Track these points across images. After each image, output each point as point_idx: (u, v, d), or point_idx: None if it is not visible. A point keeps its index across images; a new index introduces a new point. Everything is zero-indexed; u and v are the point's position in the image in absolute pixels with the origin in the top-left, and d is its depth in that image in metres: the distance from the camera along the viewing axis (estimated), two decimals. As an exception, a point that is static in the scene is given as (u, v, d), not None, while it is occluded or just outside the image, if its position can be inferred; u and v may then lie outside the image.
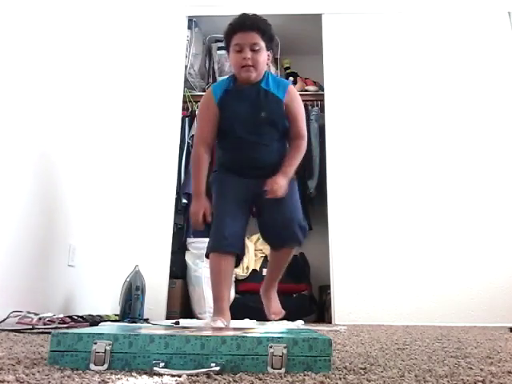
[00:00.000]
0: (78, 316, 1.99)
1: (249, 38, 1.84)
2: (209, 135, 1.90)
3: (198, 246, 3.12)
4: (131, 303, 2.26)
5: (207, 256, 1.89)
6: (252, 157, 1.89)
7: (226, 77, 2.01)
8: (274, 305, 2.08)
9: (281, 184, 1.79)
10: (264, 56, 1.87)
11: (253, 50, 1.83)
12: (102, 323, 1.99)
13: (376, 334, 1.83)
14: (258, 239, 3.41)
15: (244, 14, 1.91)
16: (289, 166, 1.88)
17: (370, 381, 0.71)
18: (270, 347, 0.77)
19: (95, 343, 0.77)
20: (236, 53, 1.85)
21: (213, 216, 1.90)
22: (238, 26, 1.86)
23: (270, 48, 1.92)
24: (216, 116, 1.87)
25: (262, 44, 1.86)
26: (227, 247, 1.84)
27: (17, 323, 1.66)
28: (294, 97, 1.93)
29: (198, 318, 2.88)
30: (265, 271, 3.26)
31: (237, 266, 1.95)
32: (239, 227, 1.90)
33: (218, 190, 1.96)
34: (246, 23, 1.85)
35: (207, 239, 3.15)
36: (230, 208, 1.89)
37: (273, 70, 3.76)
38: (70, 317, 1.91)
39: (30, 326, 1.63)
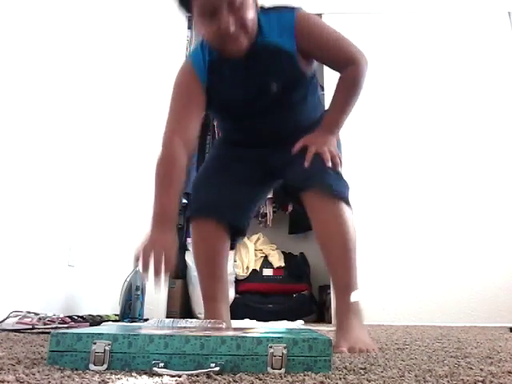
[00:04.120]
0: (78, 316, 1.99)
1: None
2: (188, 129, 1.30)
3: (198, 246, 3.12)
4: (131, 303, 2.27)
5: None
6: (266, 132, 1.39)
7: (198, 42, 1.36)
8: (349, 335, 1.18)
9: (320, 142, 1.29)
10: (250, 6, 1.20)
11: (232, 10, 1.16)
12: (103, 323, 1.99)
13: (376, 334, 1.83)
14: (258, 239, 3.41)
15: None
16: (335, 113, 1.36)
17: (370, 381, 0.71)
18: (270, 347, 0.76)
19: (94, 343, 0.77)
20: (206, 19, 1.17)
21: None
22: None
23: None
24: (201, 104, 1.32)
25: None
26: (204, 211, 1.37)
27: (17, 323, 1.66)
28: (309, 29, 1.33)
29: (197, 318, 2.89)
30: (265, 271, 3.27)
31: (232, 247, 1.47)
32: (232, 196, 1.39)
33: (209, 157, 1.53)
34: None
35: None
36: (220, 175, 1.42)
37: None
38: (70, 317, 1.91)
39: (30, 326, 1.63)
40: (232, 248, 1.47)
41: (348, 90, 1.33)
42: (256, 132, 1.41)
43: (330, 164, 1.28)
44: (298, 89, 1.35)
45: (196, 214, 1.41)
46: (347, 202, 1.30)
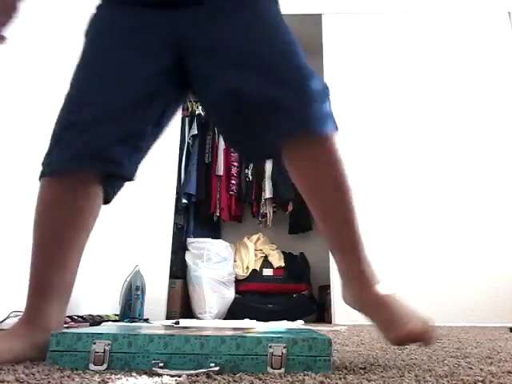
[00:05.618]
0: (78, 316, 2.00)
1: None
2: None
3: (198, 245, 3.12)
4: (131, 303, 2.27)
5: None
6: None
7: None
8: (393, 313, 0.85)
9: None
10: None
11: None
12: (103, 323, 1.99)
13: (376, 334, 1.83)
14: (258, 239, 3.41)
15: None
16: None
17: (369, 381, 0.71)
18: (270, 347, 0.76)
19: (94, 343, 0.77)
20: None
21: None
22: None
23: None
24: None
25: None
26: (65, 161, 0.90)
27: (17, 323, 1.66)
28: None
29: (198, 318, 2.89)
30: (265, 271, 3.27)
31: (107, 201, 0.99)
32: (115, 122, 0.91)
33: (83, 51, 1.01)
34: None
35: (208, 239, 3.20)
36: (94, 82, 0.93)
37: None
38: (69, 317, 1.91)
39: (30, 326, 1.63)
40: (107, 202, 0.99)
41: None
42: None
43: None
44: None
45: (57, 167, 0.91)
46: (335, 131, 0.91)
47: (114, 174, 0.94)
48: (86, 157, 0.89)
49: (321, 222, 0.94)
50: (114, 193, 1.00)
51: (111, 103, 0.91)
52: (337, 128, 0.92)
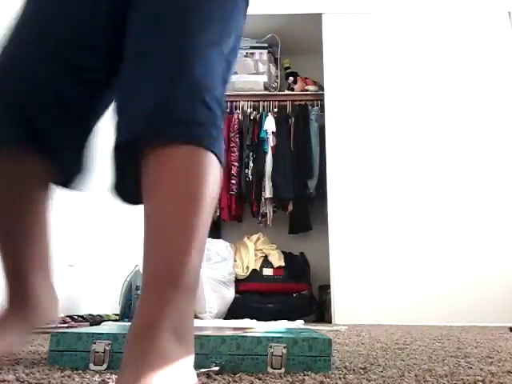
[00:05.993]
0: (78, 316, 1.99)
1: None
2: None
3: (198, 245, 3.12)
4: (131, 303, 2.27)
5: None
6: None
7: None
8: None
9: None
10: None
11: None
12: (104, 323, 1.99)
13: (376, 333, 1.83)
14: (258, 239, 3.41)
15: None
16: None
17: (369, 380, 0.71)
18: (270, 347, 0.77)
19: (94, 343, 0.77)
20: None
21: None
22: None
23: None
24: None
25: None
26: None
27: (17, 323, 1.66)
28: None
29: (198, 318, 2.89)
30: (265, 271, 3.27)
31: (68, 183, 0.89)
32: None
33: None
34: None
35: (208, 239, 3.18)
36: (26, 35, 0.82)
37: (273, 69, 3.77)
38: (70, 316, 1.91)
39: (30, 326, 1.62)
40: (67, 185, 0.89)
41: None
42: None
43: None
44: None
45: None
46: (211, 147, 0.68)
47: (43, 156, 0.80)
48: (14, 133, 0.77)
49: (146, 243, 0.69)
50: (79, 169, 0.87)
51: (48, 59, 0.79)
52: (214, 146, 0.69)
